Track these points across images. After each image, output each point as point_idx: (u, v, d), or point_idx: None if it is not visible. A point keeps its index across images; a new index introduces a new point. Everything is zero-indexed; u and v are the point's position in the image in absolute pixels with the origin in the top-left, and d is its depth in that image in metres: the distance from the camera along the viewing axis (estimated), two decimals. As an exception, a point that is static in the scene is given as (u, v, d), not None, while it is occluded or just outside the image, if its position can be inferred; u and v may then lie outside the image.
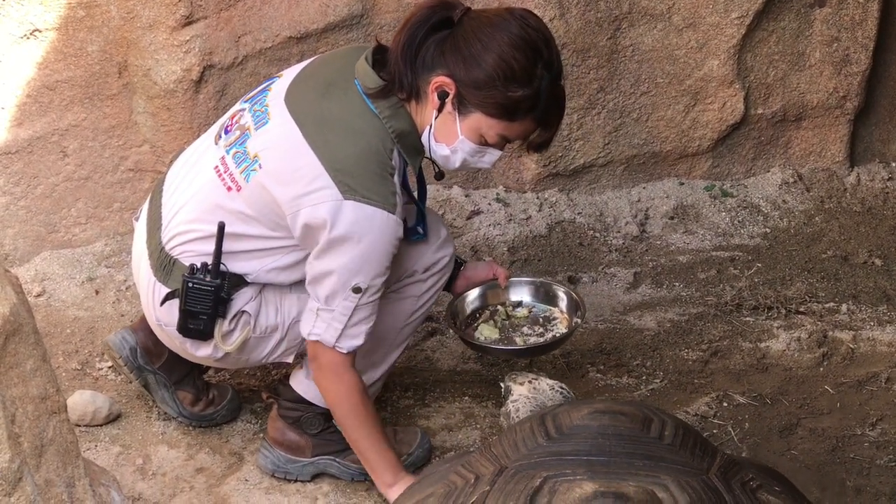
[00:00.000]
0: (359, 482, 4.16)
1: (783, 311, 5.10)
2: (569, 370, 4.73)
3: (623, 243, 5.60)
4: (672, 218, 5.75)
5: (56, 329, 4.89)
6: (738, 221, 5.78)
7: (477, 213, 5.59)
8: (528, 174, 5.72)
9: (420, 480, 3.28)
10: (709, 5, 5.63)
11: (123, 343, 4.34)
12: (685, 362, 4.80)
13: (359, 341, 3.87)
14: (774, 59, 5.85)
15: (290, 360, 4.11)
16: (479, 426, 4.42)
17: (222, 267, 3.94)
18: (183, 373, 4.35)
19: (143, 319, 4.30)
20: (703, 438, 3.04)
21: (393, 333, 4.09)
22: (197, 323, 3.98)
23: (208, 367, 4.44)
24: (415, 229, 4.04)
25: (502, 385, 3.75)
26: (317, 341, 3.88)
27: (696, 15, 5.64)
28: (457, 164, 3.86)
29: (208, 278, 3.93)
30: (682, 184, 5.92)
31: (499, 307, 4.37)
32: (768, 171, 6.05)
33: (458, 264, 4.37)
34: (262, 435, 4.28)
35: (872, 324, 5.04)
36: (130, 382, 4.39)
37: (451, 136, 3.79)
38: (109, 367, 4.66)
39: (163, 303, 4.03)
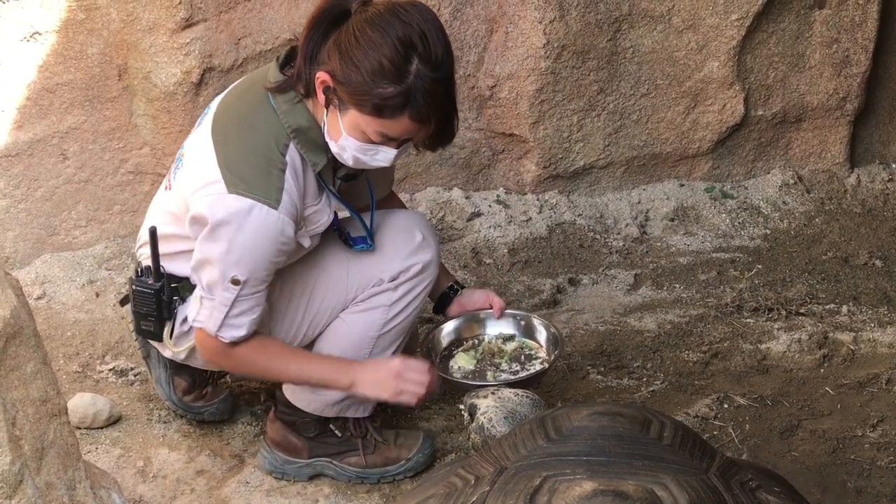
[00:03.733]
0: (357, 484, 4.16)
1: (784, 313, 5.10)
2: (569, 372, 4.73)
3: (623, 245, 5.60)
4: (672, 219, 5.75)
5: (56, 332, 4.89)
6: (739, 223, 5.78)
7: (477, 214, 5.59)
8: (528, 176, 5.73)
9: (421, 483, 3.28)
10: (708, 7, 5.64)
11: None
12: (686, 364, 4.80)
13: (241, 332, 3.84)
14: (774, 60, 5.85)
15: None
16: (479, 428, 4.42)
17: (163, 269, 3.98)
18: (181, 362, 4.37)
19: None
20: (702, 440, 3.04)
21: (367, 343, 4.05)
22: (147, 324, 4.06)
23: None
24: (360, 239, 4.01)
25: (463, 407, 3.71)
26: (200, 328, 3.88)
27: (695, 16, 5.65)
28: (350, 162, 3.77)
29: (150, 280, 3.99)
30: (683, 185, 5.92)
31: (483, 338, 4.30)
32: (768, 173, 6.05)
33: (455, 290, 4.34)
34: (262, 437, 4.28)
35: (873, 325, 5.04)
36: (134, 352, 4.48)
37: (337, 133, 3.73)
38: (110, 370, 4.66)
39: (122, 304, 4.20)
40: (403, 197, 5.57)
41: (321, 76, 3.64)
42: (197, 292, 3.87)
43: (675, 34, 5.67)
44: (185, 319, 4.02)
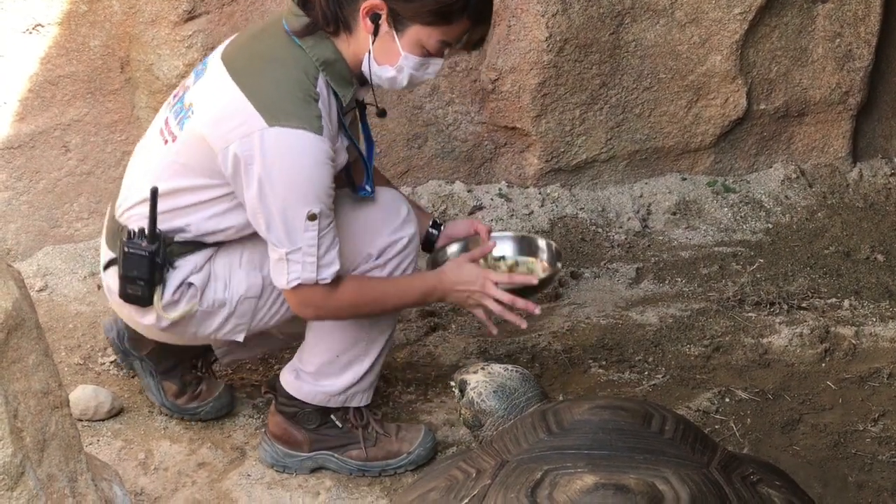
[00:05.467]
0: (359, 477, 4.16)
1: (785, 307, 5.10)
2: (571, 366, 4.73)
3: (625, 239, 5.60)
4: (674, 213, 5.75)
5: (58, 324, 4.89)
6: (741, 217, 5.78)
7: (479, 208, 5.59)
8: (530, 169, 5.73)
9: (422, 476, 3.29)
10: (711, 1, 5.63)
11: (112, 326, 4.41)
12: (687, 358, 4.80)
13: (336, 266, 3.82)
14: (777, 54, 5.85)
15: (240, 337, 4.07)
16: (480, 421, 4.42)
17: (159, 231, 3.91)
18: (170, 364, 4.36)
19: None
20: (704, 434, 3.05)
21: (360, 323, 4.08)
22: (135, 289, 3.95)
23: (200, 363, 4.45)
24: (363, 187, 4.01)
25: (454, 384, 3.71)
26: (299, 285, 3.82)
27: (698, 10, 5.64)
28: (405, 83, 3.82)
29: (144, 243, 3.90)
30: (685, 179, 5.92)
31: (480, 260, 4.29)
32: (771, 167, 6.05)
33: (438, 226, 4.34)
34: (263, 430, 4.28)
35: (874, 319, 5.04)
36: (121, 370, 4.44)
37: (393, 56, 3.76)
38: (112, 362, 4.66)
39: (106, 268, 4.06)
40: (406, 190, 5.57)
41: (367, 4, 3.69)
42: (275, 254, 3.80)
43: (678, 28, 5.67)
44: (178, 286, 3.96)
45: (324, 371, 4.10)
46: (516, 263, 4.34)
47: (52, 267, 5.20)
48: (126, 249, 3.91)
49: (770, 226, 5.75)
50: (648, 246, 5.58)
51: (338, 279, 3.84)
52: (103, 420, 4.39)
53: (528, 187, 5.73)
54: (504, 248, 4.35)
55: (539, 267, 4.32)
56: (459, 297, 4.01)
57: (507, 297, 3.97)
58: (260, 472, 4.16)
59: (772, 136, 6.02)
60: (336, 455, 4.18)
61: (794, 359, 4.79)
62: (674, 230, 5.70)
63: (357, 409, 4.18)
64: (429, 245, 4.32)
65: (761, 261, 5.47)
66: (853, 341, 4.87)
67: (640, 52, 5.66)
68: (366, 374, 4.13)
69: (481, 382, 3.55)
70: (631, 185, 5.87)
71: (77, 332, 4.85)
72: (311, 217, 3.71)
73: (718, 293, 5.23)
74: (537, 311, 4.05)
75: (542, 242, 4.36)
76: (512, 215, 5.56)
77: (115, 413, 4.42)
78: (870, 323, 5.01)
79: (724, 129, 5.90)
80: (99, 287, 5.08)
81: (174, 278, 3.95)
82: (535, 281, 4.08)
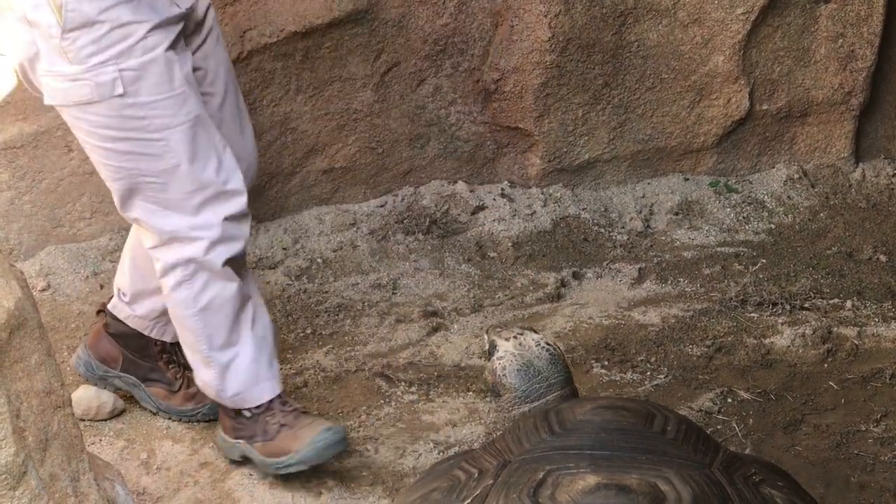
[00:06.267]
0: (361, 477, 4.16)
1: (788, 307, 5.10)
2: (573, 366, 4.72)
3: (628, 239, 5.60)
4: (677, 213, 5.75)
5: (61, 323, 4.90)
6: (743, 217, 5.78)
7: (482, 208, 5.59)
8: (532, 170, 5.73)
9: (424, 476, 3.28)
10: (714, 1, 5.63)
11: (78, 361, 4.43)
12: (689, 358, 4.80)
13: None
14: (780, 54, 5.85)
15: None
16: (483, 421, 4.43)
17: None
18: (146, 369, 4.37)
19: (92, 332, 4.43)
20: (706, 434, 3.04)
21: None
22: None
23: (172, 351, 4.41)
24: None
25: (485, 338, 3.66)
26: None
27: (701, 10, 5.64)
28: None
29: None
30: (687, 179, 5.92)
31: None
32: (773, 167, 6.05)
33: None
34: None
35: (877, 320, 5.04)
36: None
37: None
38: (114, 362, 4.67)
39: None
40: (408, 190, 5.58)
41: None
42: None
43: (681, 28, 5.67)
44: None
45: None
46: None
47: (54, 266, 5.20)
48: None
49: (772, 226, 5.75)
50: (651, 246, 5.58)
51: None
52: (105, 420, 4.39)
53: (530, 187, 5.73)
54: None
55: None
56: None
57: None
58: (262, 473, 4.16)
59: (774, 136, 6.02)
60: (250, 444, 4.16)
61: (797, 359, 4.79)
62: (676, 230, 5.70)
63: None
64: None
65: (764, 261, 5.47)
66: (855, 342, 4.88)
67: (642, 53, 5.66)
68: None
69: (508, 355, 3.50)
70: (633, 186, 5.87)
71: (79, 331, 4.85)
72: None
73: (721, 293, 5.23)
74: None
75: None
76: (514, 215, 5.56)
77: (118, 413, 4.42)
78: (872, 323, 5.01)
79: (727, 130, 5.90)
80: (101, 287, 5.09)
81: None
82: None
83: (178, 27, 3.84)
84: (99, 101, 3.75)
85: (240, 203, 3.93)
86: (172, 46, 3.80)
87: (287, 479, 4.12)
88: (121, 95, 3.73)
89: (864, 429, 4.40)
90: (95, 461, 3.32)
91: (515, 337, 3.55)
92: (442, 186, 5.65)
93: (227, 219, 3.90)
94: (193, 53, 3.97)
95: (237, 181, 3.92)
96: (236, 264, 3.97)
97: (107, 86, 3.73)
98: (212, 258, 3.92)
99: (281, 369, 4.61)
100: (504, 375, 3.47)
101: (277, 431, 4.09)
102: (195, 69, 3.95)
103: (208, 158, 3.86)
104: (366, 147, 5.54)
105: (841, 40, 5.88)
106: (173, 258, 3.93)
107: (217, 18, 4.15)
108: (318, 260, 5.32)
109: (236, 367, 4.05)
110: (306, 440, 4.05)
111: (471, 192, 5.64)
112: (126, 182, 3.87)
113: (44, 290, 5.08)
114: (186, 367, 4.45)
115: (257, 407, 4.10)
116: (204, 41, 4.01)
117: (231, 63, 4.19)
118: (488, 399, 4.49)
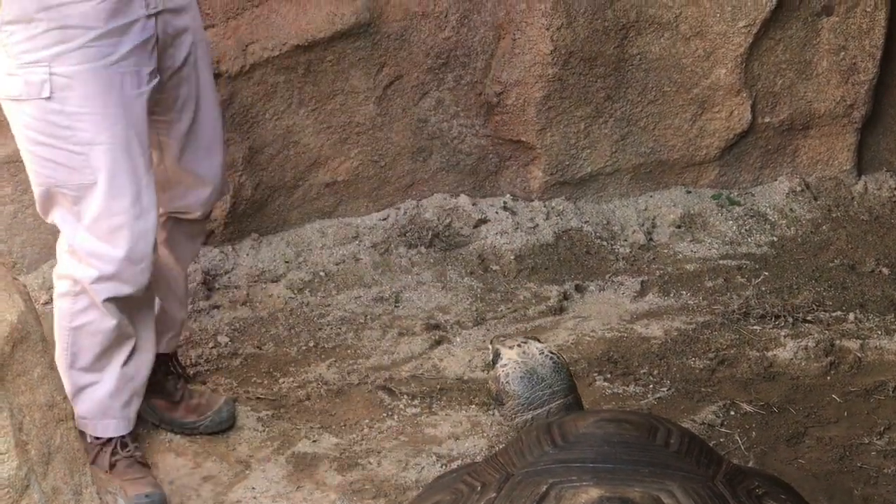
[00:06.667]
0: (361, 491, 4.16)
1: (790, 320, 5.10)
2: (576, 379, 4.72)
3: (630, 252, 5.60)
4: (679, 226, 5.75)
5: (63, 337, 4.89)
6: (746, 230, 5.78)
7: (484, 221, 5.59)
8: (535, 183, 5.73)
9: (427, 489, 3.28)
10: (716, 14, 5.64)
11: None
12: (692, 371, 4.79)
13: None
14: (782, 67, 5.85)
15: None
16: (485, 434, 4.42)
17: None
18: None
19: None
20: (709, 447, 3.04)
21: None
22: None
23: (171, 373, 4.41)
24: None
25: (490, 348, 3.67)
26: None
27: (703, 24, 5.65)
28: None
29: None
30: (690, 192, 5.92)
31: None
32: (775, 180, 6.05)
33: None
34: (269, 443, 4.28)
35: (880, 332, 5.03)
36: None
37: None
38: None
39: None
40: (411, 203, 5.59)
41: None
42: None
43: (683, 41, 5.67)
44: None
45: None
46: None
47: (57, 280, 5.20)
48: None
49: (775, 239, 5.75)
50: (653, 259, 5.58)
51: None
52: (108, 433, 4.39)
53: (532, 200, 5.74)
54: None
55: None
56: None
57: None
58: (265, 486, 4.16)
59: (776, 149, 6.02)
60: None
61: (799, 372, 4.79)
62: (678, 243, 5.70)
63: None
64: None
65: (766, 274, 5.47)
66: (858, 354, 4.87)
67: (644, 66, 5.67)
68: None
69: (512, 362, 3.51)
70: (636, 198, 5.87)
71: (82, 345, 4.85)
72: None
73: (723, 306, 5.23)
74: None
75: None
76: (517, 228, 5.56)
77: (120, 426, 4.42)
78: (875, 336, 5.00)
79: (729, 142, 5.91)
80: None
81: None
82: None
83: (137, 43, 3.72)
84: (27, 100, 3.66)
85: (144, 245, 3.82)
86: (123, 61, 3.69)
87: (289, 493, 4.13)
88: (47, 99, 3.64)
89: (867, 441, 4.40)
90: (98, 475, 3.32)
91: (519, 345, 3.55)
92: (444, 199, 5.65)
93: (126, 258, 3.80)
94: (167, 79, 3.88)
95: (148, 221, 3.81)
96: (124, 304, 3.88)
97: (35, 86, 3.63)
98: (97, 289, 3.83)
99: (282, 383, 4.62)
100: (507, 383, 3.47)
101: (110, 467, 4.04)
102: (162, 94, 3.87)
103: (125, 187, 3.74)
104: (368, 160, 5.54)
105: (843, 53, 5.89)
106: (67, 270, 3.86)
107: (207, 42, 4.09)
108: (321, 273, 5.32)
109: (91, 394, 4.00)
110: (130, 495, 4.01)
111: (473, 205, 5.65)
112: (45, 188, 3.81)
113: (46, 303, 5.07)
114: (186, 379, 4.46)
115: (97, 438, 4.06)
116: (181, 67, 3.91)
117: (214, 89, 4.10)
118: (491, 412, 4.50)
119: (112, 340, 3.95)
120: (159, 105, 3.91)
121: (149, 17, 3.74)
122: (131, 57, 3.71)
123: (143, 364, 4.07)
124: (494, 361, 3.55)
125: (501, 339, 3.62)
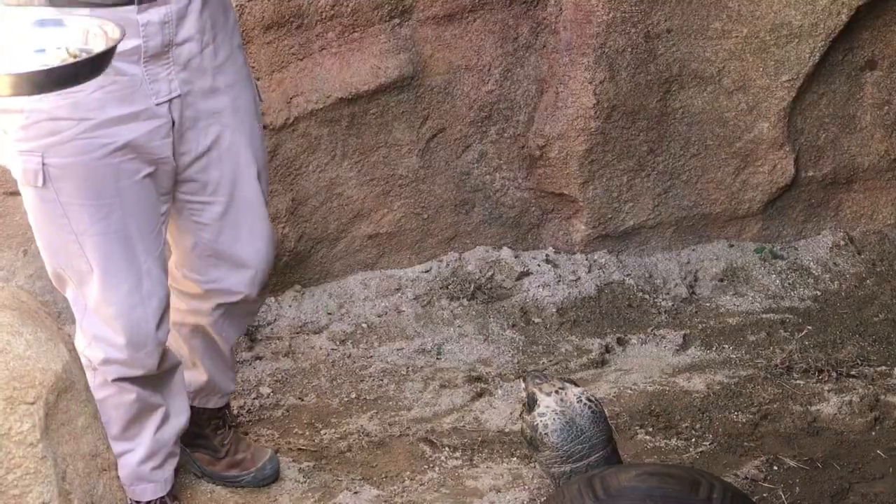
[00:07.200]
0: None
1: (834, 375, 5.07)
2: (617, 432, 4.71)
3: (672, 305, 5.59)
4: (721, 280, 5.74)
5: (107, 387, 4.92)
6: (789, 284, 5.76)
7: (526, 274, 5.60)
8: (577, 235, 5.73)
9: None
10: (759, 68, 5.64)
11: None
12: (735, 425, 4.77)
13: None
14: (825, 121, 5.84)
15: None
16: (527, 487, 4.41)
17: None
18: (191, 434, 4.28)
19: None
20: (752, 502, 3.03)
21: None
22: None
23: (221, 428, 4.42)
24: None
25: (524, 388, 3.57)
26: None
27: (746, 78, 5.65)
28: None
29: None
30: (732, 246, 5.90)
31: None
32: (819, 234, 6.03)
33: None
34: (310, 494, 4.28)
35: (925, 388, 5.01)
36: None
37: None
38: (159, 426, 4.68)
39: None
40: (453, 256, 5.59)
41: None
42: None
43: (726, 95, 5.68)
44: None
45: None
46: None
47: (101, 330, 5.23)
48: None
49: (818, 293, 5.73)
50: (695, 312, 5.57)
51: None
52: (150, 483, 4.40)
53: (574, 253, 5.74)
54: None
55: None
56: None
57: None
58: (305, 537, 4.16)
59: (820, 203, 6.01)
60: None
61: (844, 427, 4.76)
62: (721, 297, 5.68)
63: None
64: None
65: (809, 328, 5.44)
66: (903, 410, 4.84)
67: (687, 119, 5.67)
68: None
69: (550, 412, 3.45)
70: (678, 252, 5.87)
71: (125, 395, 4.87)
72: None
73: (766, 360, 5.20)
74: None
75: None
76: (559, 281, 5.56)
77: (162, 476, 4.43)
78: (920, 391, 4.98)
79: (772, 196, 5.89)
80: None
81: None
82: None
83: (141, 133, 3.57)
84: (25, 185, 3.59)
85: (144, 332, 3.76)
86: (119, 151, 3.55)
87: (330, 544, 4.13)
88: (42, 187, 3.55)
89: (912, 498, 4.37)
90: (140, 524, 3.33)
91: (557, 392, 3.50)
92: (487, 252, 5.66)
93: (129, 344, 3.76)
94: (189, 163, 3.73)
95: (148, 309, 3.75)
96: (139, 381, 3.86)
97: (30, 174, 3.53)
98: (106, 370, 3.82)
99: (324, 434, 4.62)
100: (546, 434, 3.44)
101: None
102: (187, 177, 3.75)
103: (121, 276, 3.69)
104: (411, 213, 5.56)
105: (887, 107, 5.88)
106: (80, 348, 3.79)
107: (256, 114, 3.88)
108: (363, 325, 5.33)
109: (126, 461, 3.97)
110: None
111: (515, 257, 5.65)
112: (52, 268, 3.77)
113: (90, 353, 5.10)
114: (234, 429, 4.46)
115: (137, 502, 4.07)
116: (206, 151, 3.74)
117: (257, 167, 3.87)
118: (532, 464, 4.48)
119: (136, 412, 3.93)
120: (187, 187, 3.79)
121: (159, 104, 3.58)
122: (132, 146, 3.58)
123: (179, 424, 4.07)
124: (530, 406, 3.50)
125: (537, 381, 3.55)
